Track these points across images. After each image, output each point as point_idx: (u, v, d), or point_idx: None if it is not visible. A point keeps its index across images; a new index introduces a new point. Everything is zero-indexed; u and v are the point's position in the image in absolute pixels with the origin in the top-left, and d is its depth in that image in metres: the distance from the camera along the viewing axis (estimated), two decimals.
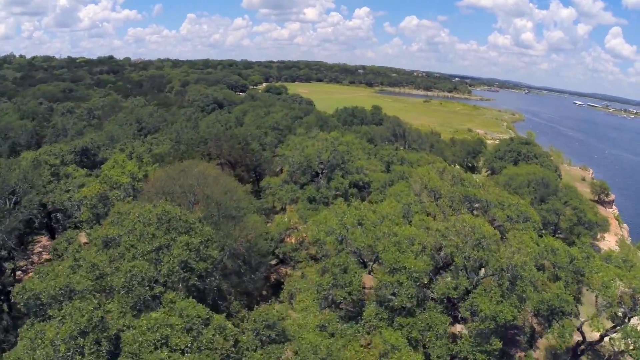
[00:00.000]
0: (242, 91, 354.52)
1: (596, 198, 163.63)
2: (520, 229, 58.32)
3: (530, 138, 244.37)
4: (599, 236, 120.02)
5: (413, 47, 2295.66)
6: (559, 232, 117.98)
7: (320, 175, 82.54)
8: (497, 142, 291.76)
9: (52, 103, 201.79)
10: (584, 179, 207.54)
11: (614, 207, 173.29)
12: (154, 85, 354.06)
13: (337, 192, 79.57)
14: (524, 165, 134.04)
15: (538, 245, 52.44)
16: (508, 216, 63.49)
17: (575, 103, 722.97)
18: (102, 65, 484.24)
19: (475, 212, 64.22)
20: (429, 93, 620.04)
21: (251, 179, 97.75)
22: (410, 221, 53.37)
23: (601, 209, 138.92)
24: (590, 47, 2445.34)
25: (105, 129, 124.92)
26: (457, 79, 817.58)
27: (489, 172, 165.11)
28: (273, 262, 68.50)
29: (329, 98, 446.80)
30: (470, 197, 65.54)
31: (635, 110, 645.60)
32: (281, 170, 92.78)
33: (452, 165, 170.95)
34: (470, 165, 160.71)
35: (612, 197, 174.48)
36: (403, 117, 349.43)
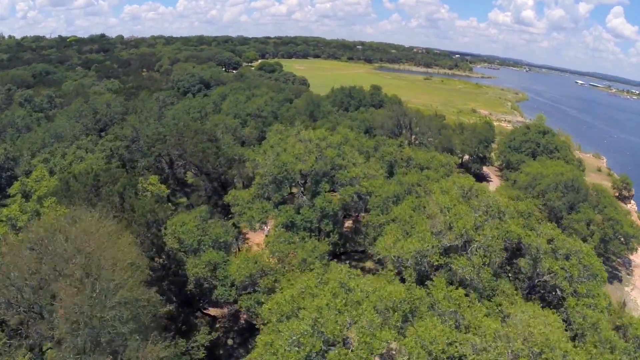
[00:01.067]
0: (234, 68, 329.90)
1: (617, 194, 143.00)
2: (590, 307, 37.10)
3: (541, 122, 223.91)
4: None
5: (412, 23, 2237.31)
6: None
7: (302, 189, 60.73)
8: (502, 123, 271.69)
9: (22, 89, 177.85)
10: (599, 170, 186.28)
11: (632, 201, 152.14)
12: (143, 64, 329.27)
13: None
14: (549, 162, 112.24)
15: None
16: (567, 271, 42.15)
17: (577, 82, 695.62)
18: (92, 44, 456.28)
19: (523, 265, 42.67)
20: (430, 70, 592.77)
21: (216, 192, 75.99)
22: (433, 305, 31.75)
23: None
24: (591, 26, 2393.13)
25: (55, 122, 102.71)
26: (457, 55, 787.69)
27: (503, 165, 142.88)
28: None
29: (326, 75, 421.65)
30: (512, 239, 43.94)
31: (637, 92, 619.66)
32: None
33: (461, 157, 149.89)
34: (481, 155, 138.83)
35: (632, 191, 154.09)
36: (403, 95, 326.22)
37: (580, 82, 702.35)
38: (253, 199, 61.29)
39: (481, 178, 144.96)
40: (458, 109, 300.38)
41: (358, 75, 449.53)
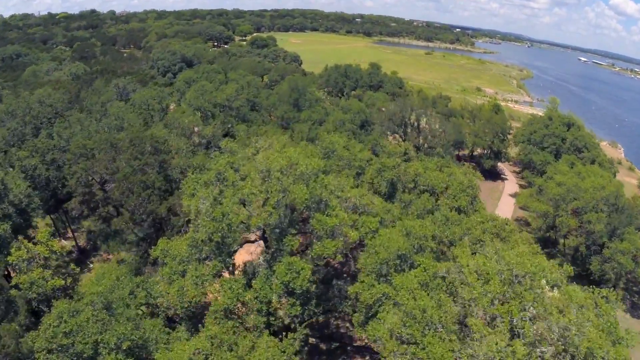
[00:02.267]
0: (226, 43, 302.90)
1: None
2: None
3: (555, 106, 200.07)
4: None
5: None
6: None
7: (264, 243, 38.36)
8: (510, 104, 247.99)
9: None
10: (619, 163, 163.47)
11: None
12: (130, 40, 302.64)
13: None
14: (584, 169, 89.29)
15: None
16: None
17: (580, 59, 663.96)
18: (81, 21, 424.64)
19: None
20: (430, 44, 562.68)
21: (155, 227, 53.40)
22: None
23: None
24: (593, 2, 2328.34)
25: None
26: (457, 29, 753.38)
27: (521, 161, 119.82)
28: None
29: (323, 49, 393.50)
30: None
31: None
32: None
33: (472, 150, 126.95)
34: (496, 150, 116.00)
35: None
36: (404, 72, 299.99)
37: (583, 59, 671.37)
38: (190, 256, 38.96)
39: (495, 176, 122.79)
40: (462, 87, 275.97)
41: (356, 50, 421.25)
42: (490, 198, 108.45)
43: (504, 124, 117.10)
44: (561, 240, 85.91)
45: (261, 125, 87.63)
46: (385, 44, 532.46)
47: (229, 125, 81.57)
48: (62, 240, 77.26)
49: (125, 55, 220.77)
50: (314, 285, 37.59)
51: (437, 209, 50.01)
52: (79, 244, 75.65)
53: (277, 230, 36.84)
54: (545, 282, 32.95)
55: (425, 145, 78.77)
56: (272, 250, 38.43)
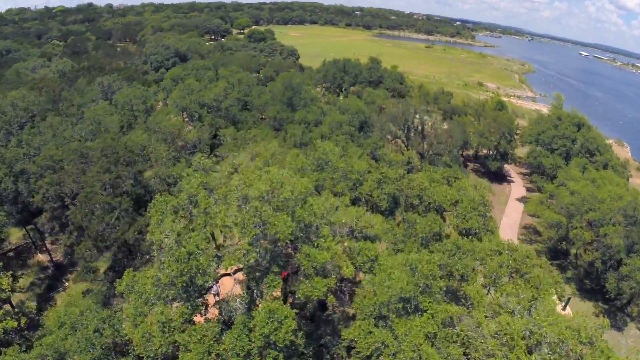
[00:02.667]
0: (223, 37, 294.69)
1: None
2: None
3: (560, 103, 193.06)
4: None
5: None
6: None
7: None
8: (512, 99, 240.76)
9: None
10: (627, 163, 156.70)
11: None
12: (125, 34, 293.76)
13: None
14: (598, 175, 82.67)
15: None
16: None
17: (581, 54, 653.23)
18: (78, 14, 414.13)
19: None
20: (431, 37, 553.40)
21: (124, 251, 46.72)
22: None
23: None
24: None
25: None
26: (458, 23, 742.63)
27: (529, 163, 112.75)
28: None
29: (322, 42, 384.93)
30: None
31: None
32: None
33: (476, 150, 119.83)
34: (502, 151, 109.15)
35: None
36: (404, 65, 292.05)
37: (584, 53, 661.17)
38: (155, 295, 32.37)
39: (501, 178, 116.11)
40: (463, 82, 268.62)
41: (356, 43, 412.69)
42: (497, 203, 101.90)
43: (510, 123, 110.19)
44: (572, 250, 79.36)
45: (252, 126, 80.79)
46: (385, 37, 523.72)
47: (217, 128, 74.76)
48: (39, 254, 70.85)
49: (118, 49, 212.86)
50: (300, 334, 31.01)
51: (444, 232, 43.35)
52: (55, 259, 69.08)
53: (257, 274, 30.26)
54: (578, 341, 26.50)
55: (430, 152, 71.86)
56: (252, 291, 31.86)
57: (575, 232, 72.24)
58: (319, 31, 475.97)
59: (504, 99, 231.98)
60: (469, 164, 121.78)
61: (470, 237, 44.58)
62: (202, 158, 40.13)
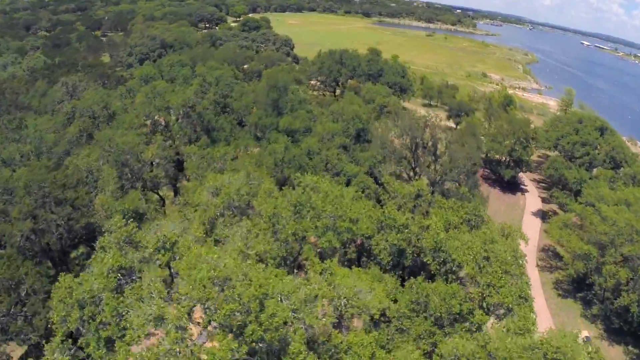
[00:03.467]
0: (217, 24, 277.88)
1: None
2: None
3: (571, 98, 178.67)
4: None
5: None
6: None
7: None
8: (517, 92, 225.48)
9: None
10: None
11: None
12: (116, 23, 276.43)
13: None
14: (634, 195, 68.68)
15: None
16: None
17: (583, 43, 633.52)
18: (70, 3, 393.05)
19: None
20: (431, 25, 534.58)
21: None
22: None
23: None
24: None
25: None
26: (458, 10, 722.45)
27: (548, 175, 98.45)
28: None
29: (320, 30, 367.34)
30: None
31: None
32: None
33: (487, 154, 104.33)
34: (517, 159, 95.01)
35: None
36: (405, 54, 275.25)
37: (585, 43, 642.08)
38: None
39: (514, 187, 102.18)
40: (467, 72, 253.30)
41: (355, 31, 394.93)
42: (511, 217, 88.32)
43: (526, 126, 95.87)
44: (597, 279, 64.34)
45: (229, 136, 66.52)
46: (385, 25, 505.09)
47: (186, 141, 60.70)
48: None
49: (104, 40, 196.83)
50: None
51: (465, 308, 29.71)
52: None
53: None
54: None
55: (443, 178, 57.03)
56: None
57: (608, 268, 58.82)
58: (317, 19, 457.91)
59: (509, 91, 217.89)
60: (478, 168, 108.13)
61: (499, 316, 30.97)
62: (120, 220, 26.39)
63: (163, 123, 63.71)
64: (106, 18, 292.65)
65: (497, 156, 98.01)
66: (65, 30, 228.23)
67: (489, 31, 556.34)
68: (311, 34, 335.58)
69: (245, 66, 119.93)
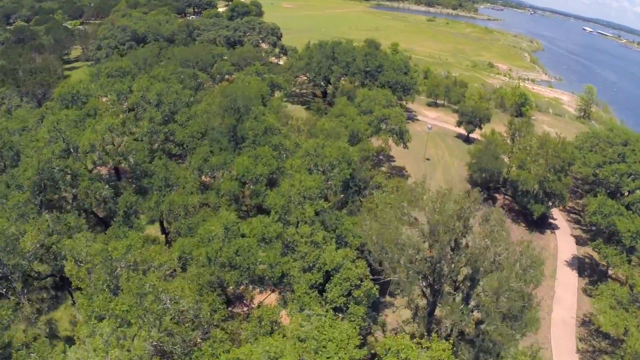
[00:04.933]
0: (205, 9, 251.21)
1: None
2: None
3: (592, 97, 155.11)
4: None
5: None
6: None
7: None
8: (526, 84, 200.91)
9: None
10: None
11: None
12: (99, 10, 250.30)
13: None
14: None
15: None
16: None
17: (585, 29, 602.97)
18: None
19: None
20: (432, 9, 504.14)
21: None
22: None
23: None
24: None
25: None
26: None
27: (583, 209, 75.77)
28: None
29: (315, 16, 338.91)
30: None
31: None
32: None
33: (512, 177, 79.56)
34: (549, 191, 72.22)
35: None
36: (405, 41, 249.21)
37: (588, 29, 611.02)
38: None
39: (541, 223, 79.93)
40: (472, 62, 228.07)
41: (353, 15, 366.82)
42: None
43: (563, 150, 72.63)
44: None
45: (165, 188, 43.98)
46: (384, 8, 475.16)
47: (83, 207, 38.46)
48: None
49: (75, 32, 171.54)
50: None
51: None
52: None
53: None
54: None
55: (474, 305, 32.78)
56: None
57: None
58: (313, 2, 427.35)
59: (519, 83, 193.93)
60: (496, 195, 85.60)
61: None
62: None
63: (52, 180, 41.50)
64: (91, 5, 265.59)
65: (523, 186, 74.91)
66: (41, 20, 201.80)
67: (490, 16, 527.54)
68: (306, 18, 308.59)
69: (215, 66, 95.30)
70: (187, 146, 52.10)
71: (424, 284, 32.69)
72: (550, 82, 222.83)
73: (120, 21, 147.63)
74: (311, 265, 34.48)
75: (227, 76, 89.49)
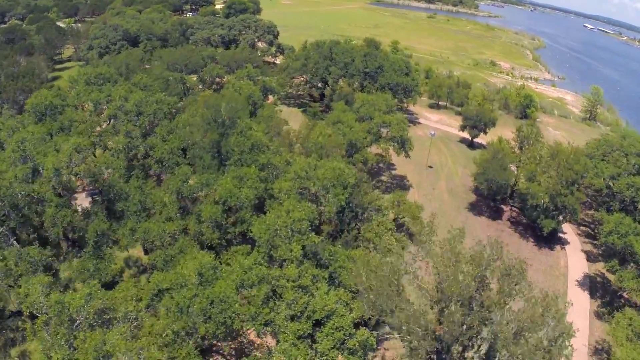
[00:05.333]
0: (202, 6, 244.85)
1: None
2: None
3: (599, 98, 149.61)
4: None
5: None
6: None
7: None
8: (529, 83, 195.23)
9: None
10: None
11: None
12: (94, 7, 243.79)
13: None
14: None
15: None
16: None
17: (586, 26, 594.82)
18: None
19: None
20: (432, 6, 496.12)
21: None
22: None
23: None
24: None
25: None
26: None
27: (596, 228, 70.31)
28: None
29: (315, 12, 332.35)
30: None
31: None
32: None
33: (515, 187, 72.95)
34: (561, 205, 66.77)
35: None
36: (406, 39, 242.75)
37: (589, 26, 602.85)
38: None
39: (550, 238, 74.79)
40: (474, 60, 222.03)
41: (352, 12, 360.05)
42: (553, 287, 61.57)
43: (576, 162, 67.48)
44: None
45: (139, 212, 38.83)
46: (383, 5, 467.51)
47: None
48: None
49: (67, 31, 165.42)
50: None
51: None
52: None
53: None
54: None
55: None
56: None
57: None
58: None
59: (521, 82, 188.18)
60: (503, 207, 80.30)
61: None
62: None
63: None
64: (87, 2, 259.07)
65: (533, 200, 69.57)
66: (34, 19, 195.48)
67: (491, 12, 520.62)
68: (305, 15, 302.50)
69: (204, 69, 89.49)
70: (165, 164, 46.88)
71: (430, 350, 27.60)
72: (554, 81, 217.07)
73: (113, 20, 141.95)
74: (299, 313, 29.57)
75: (217, 79, 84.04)
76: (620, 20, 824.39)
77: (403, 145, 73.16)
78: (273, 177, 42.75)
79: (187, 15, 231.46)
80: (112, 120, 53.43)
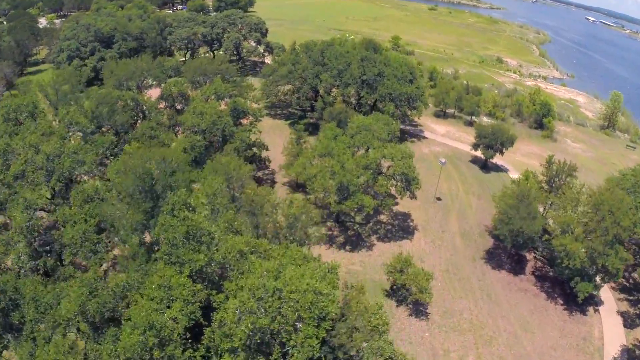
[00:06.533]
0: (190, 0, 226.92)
1: None
2: None
3: (618, 105, 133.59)
4: None
5: None
6: None
7: None
8: (538, 82, 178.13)
9: None
10: None
11: None
12: (80, 2, 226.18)
13: None
14: None
15: None
16: None
17: (588, 19, 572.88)
18: None
19: None
20: None
21: None
22: None
23: None
24: None
25: None
26: None
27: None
28: None
29: (311, 3, 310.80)
30: None
31: None
32: None
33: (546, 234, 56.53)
34: (603, 267, 51.84)
35: None
36: (407, 33, 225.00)
37: (591, 18, 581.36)
38: None
39: (582, 301, 59.36)
40: (479, 57, 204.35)
41: (350, 4, 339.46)
42: None
43: (625, 215, 51.78)
44: None
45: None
46: None
47: None
48: None
49: (41, 31, 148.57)
50: None
51: None
52: None
53: None
54: None
55: None
56: None
57: None
58: None
59: (530, 82, 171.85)
60: (526, 255, 64.96)
61: None
62: None
63: None
64: None
65: (568, 261, 53.75)
66: (15, 16, 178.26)
67: (493, 4, 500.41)
68: (301, 7, 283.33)
69: (164, 85, 72.89)
70: (78, 252, 31.53)
71: None
72: (563, 79, 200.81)
73: (86, 18, 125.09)
74: None
75: (180, 98, 67.89)
76: (621, 12, 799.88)
77: (409, 185, 57.60)
78: (215, 289, 27.40)
79: (178, 9, 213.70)
80: (18, 181, 38.22)
